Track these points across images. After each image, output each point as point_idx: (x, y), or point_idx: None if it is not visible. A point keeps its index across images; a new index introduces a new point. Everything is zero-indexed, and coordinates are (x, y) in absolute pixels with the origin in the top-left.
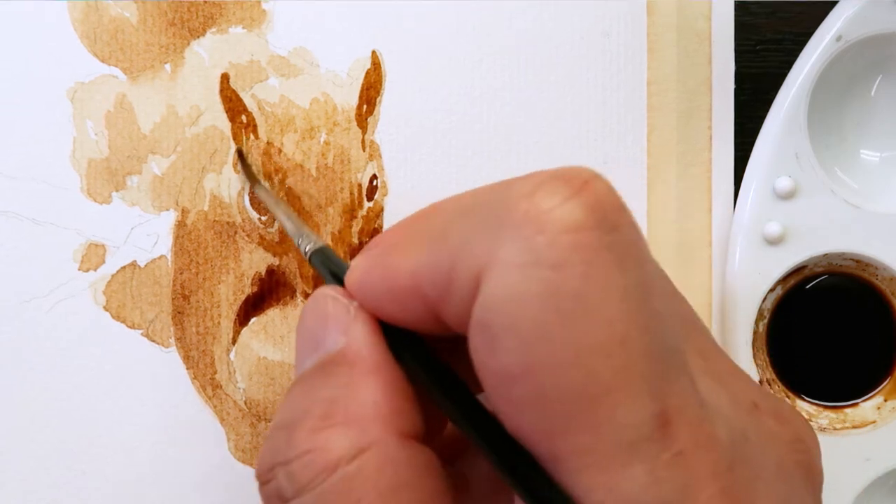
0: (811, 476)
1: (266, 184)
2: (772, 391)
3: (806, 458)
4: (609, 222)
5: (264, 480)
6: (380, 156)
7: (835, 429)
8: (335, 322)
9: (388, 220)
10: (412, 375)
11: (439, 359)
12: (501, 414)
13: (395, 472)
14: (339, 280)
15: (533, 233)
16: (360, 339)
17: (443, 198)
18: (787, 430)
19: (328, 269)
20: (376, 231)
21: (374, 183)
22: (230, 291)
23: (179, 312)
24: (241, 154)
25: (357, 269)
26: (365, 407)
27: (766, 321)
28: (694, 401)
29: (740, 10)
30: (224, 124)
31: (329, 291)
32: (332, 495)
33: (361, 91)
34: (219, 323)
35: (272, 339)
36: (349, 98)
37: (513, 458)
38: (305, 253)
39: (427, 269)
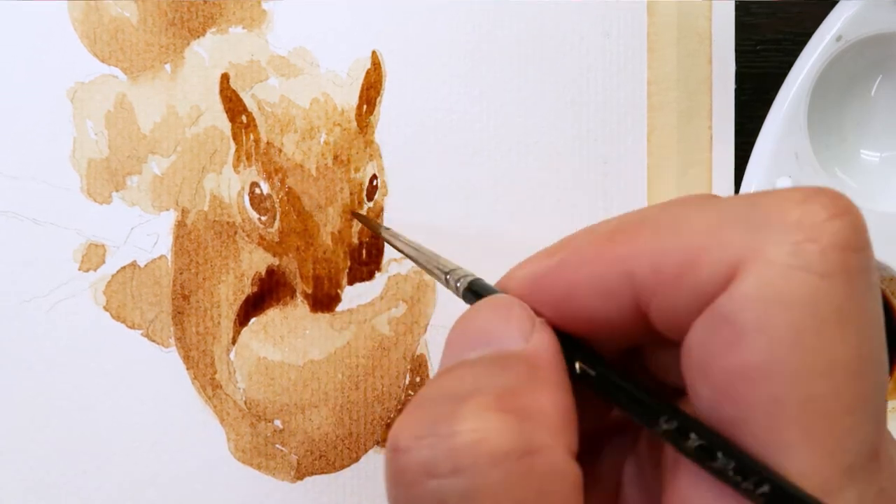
0: None
1: (390, 228)
2: None
3: None
4: (868, 248)
5: (408, 447)
6: (380, 156)
7: None
8: (518, 324)
9: (389, 220)
10: (582, 383)
11: (611, 364)
12: (720, 418)
13: (559, 484)
14: None
15: (805, 239)
16: (542, 347)
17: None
18: None
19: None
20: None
21: (374, 183)
22: (230, 291)
23: (179, 312)
24: (356, 214)
25: (521, 272)
26: (542, 409)
27: None
28: (891, 438)
29: (740, 11)
30: (224, 124)
31: (514, 298)
32: (491, 488)
33: (361, 91)
34: (219, 323)
35: (272, 339)
36: (349, 98)
37: (743, 461)
38: (457, 288)
39: (646, 258)
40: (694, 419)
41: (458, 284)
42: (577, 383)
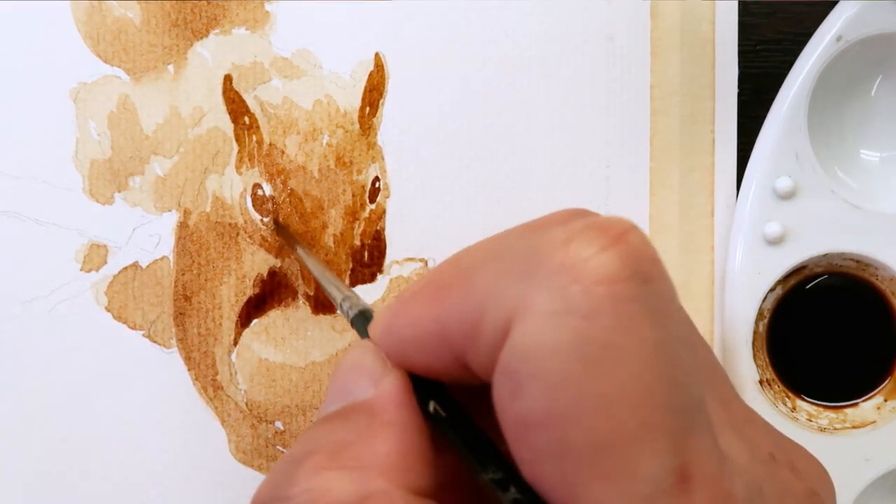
0: None
1: (305, 249)
2: (771, 391)
3: None
4: (643, 274)
5: None
6: (382, 158)
7: (835, 429)
8: (369, 373)
9: (391, 222)
10: (433, 424)
11: (462, 408)
12: (521, 462)
13: None
14: None
15: (567, 282)
16: (388, 392)
17: (467, 247)
18: (802, 485)
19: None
20: (378, 233)
21: (377, 185)
22: (232, 293)
23: (181, 313)
24: (277, 223)
25: (381, 318)
26: (377, 456)
27: (766, 321)
28: (714, 457)
29: (740, 11)
30: (227, 125)
31: (369, 344)
32: None
33: (364, 93)
34: (220, 324)
35: (273, 341)
36: (352, 100)
37: None
38: (348, 315)
39: (454, 316)
40: (517, 473)
41: (350, 313)
42: (435, 426)
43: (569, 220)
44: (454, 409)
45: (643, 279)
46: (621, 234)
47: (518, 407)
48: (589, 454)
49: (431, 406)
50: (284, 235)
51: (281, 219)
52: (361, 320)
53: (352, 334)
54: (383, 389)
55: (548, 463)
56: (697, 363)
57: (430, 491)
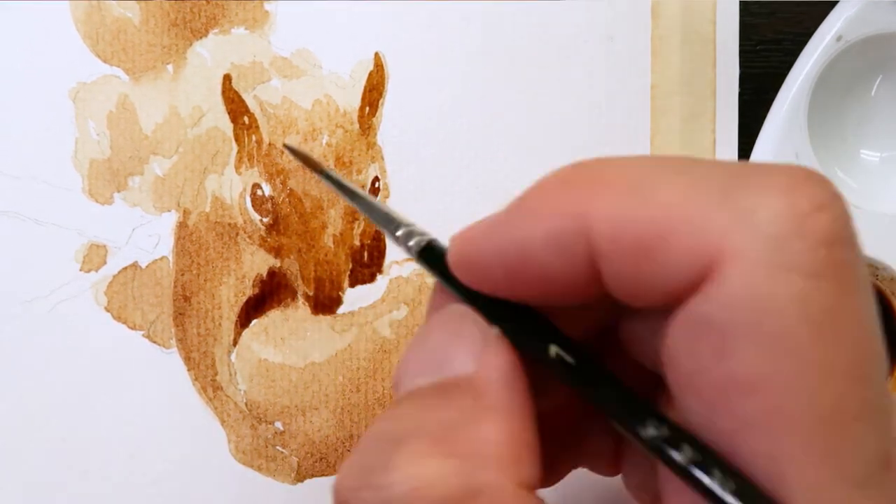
0: None
1: (333, 170)
2: None
3: None
4: (855, 240)
5: (346, 500)
6: (382, 158)
7: None
8: (468, 344)
9: None
10: (558, 373)
11: (589, 351)
12: (714, 430)
13: None
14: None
15: (792, 234)
16: (493, 369)
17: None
18: None
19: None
20: (378, 233)
21: (377, 185)
22: (231, 293)
23: (180, 314)
24: (289, 147)
25: (479, 226)
26: (486, 444)
27: None
28: None
29: (741, 11)
30: (226, 125)
31: (467, 310)
32: None
33: (364, 93)
34: (220, 324)
35: (273, 341)
36: (352, 100)
37: (732, 478)
38: (409, 248)
39: (613, 217)
40: (686, 431)
41: (411, 244)
42: (549, 379)
43: (786, 167)
44: (580, 353)
45: (855, 245)
46: (836, 194)
47: (726, 367)
48: (806, 427)
49: (553, 351)
50: (301, 157)
51: (277, 219)
52: (431, 255)
53: (352, 335)
54: (487, 365)
55: (755, 434)
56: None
57: (539, 484)
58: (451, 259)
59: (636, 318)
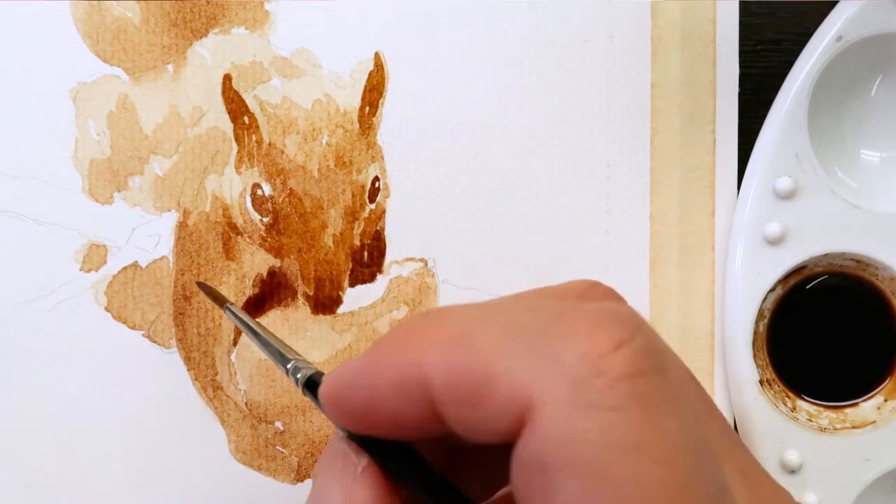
0: None
1: (235, 307)
2: (772, 391)
3: None
4: (661, 366)
5: None
6: (382, 157)
7: (835, 429)
8: (340, 477)
9: (390, 222)
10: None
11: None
12: None
13: None
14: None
15: (591, 375)
16: (358, 501)
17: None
18: None
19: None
20: (378, 233)
21: (377, 185)
22: (231, 293)
23: (180, 313)
24: (201, 285)
25: (337, 374)
26: None
27: (766, 321)
28: None
29: (741, 11)
30: (226, 125)
31: (342, 445)
32: None
33: (364, 93)
34: (220, 324)
35: None
36: (352, 100)
37: None
38: (297, 381)
39: (445, 368)
40: None
41: (298, 377)
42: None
43: (586, 310)
44: (437, 484)
45: (661, 371)
46: (637, 328)
47: (554, 501)
48: None
49: (413, 481)
50: (209, 292)
51: (275, 219)
52: (313, 386)
53: (352, 335)
54: (354, 496)
55: None
56: (717, 438)
57: None
58: (322, 400)
59: (487, 450)
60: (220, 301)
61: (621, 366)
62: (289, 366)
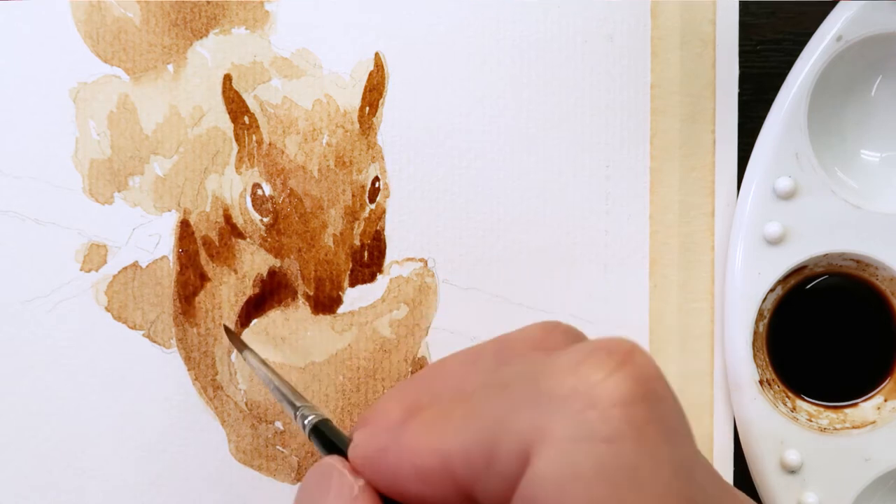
0: None
1: (253, 352)
2: (771, 391)
3: None
4: (655, 393)
5: None
6: (382, 158)
7: (835, 429)
8: (337, 498)
9: (390, 222)
10: None
11: None
12: None
13: None
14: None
15: (583, 407)
16: None
17: (448, 355)
18: None
19: (332, 443)
20: (378, 233)
21: (377, 185)
22: (231, 293)
23: (181, 313)
24: (226, 328)
25: (364, 446)
26: None
27: (766, 321)
28: None
29: (741, 10)
30: (226, 125)
31: (336, 464)
32: None
33: (364, 93)
34: (220, 324)
35: (273, 341)
36: (352, 100)
37: None
38: (304, 427)
39: (461, 449)
40: None
41: (306, 423)
42: None
43: (577, 346)
44: None
45: (656, 399)
46: (627, 355)
47: None
48: None
49: None
50: (231, 336)
51: (276, 220)
52: (321, 431)
53: (352, 335)
54: None
55: None
56: (708, 476)
57: None
58: (355, 463)
59: None
60: (240, 347)
61: (612, 394)
62: (297, 413)
